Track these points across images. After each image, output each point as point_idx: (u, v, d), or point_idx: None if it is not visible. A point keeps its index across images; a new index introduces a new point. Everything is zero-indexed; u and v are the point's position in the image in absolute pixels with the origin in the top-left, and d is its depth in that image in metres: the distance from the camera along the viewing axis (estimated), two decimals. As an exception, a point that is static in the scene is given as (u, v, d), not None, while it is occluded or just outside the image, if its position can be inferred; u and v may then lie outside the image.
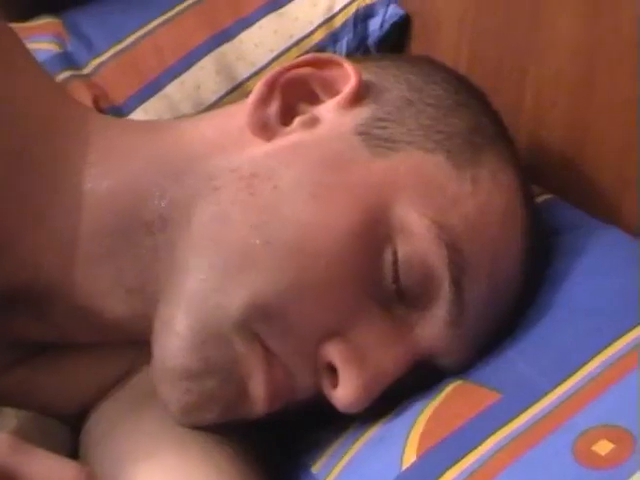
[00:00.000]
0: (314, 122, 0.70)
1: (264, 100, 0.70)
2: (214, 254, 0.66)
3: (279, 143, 0.69)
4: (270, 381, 0.65)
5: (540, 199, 0.80)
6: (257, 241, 0.65)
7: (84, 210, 0.69)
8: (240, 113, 0.71)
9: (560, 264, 0.72)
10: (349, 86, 0.70)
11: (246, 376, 0.65)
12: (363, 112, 0.70)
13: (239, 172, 0.68)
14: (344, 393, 0.64)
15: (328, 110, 0.70)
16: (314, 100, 0.71)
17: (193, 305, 0.65)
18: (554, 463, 0.54)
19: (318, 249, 0.64)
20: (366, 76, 0.71)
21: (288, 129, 0.70)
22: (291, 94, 0.71)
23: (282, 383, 0.65)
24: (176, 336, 0.65)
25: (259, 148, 0.69)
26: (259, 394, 0.65)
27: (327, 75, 0.72)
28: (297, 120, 0.70)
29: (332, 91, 0.71)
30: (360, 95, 0.70)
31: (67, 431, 0.76)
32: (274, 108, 0.70)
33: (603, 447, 0.53)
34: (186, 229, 0.67)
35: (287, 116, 0.70)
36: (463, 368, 0.67)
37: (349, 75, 0.71)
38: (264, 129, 0.70)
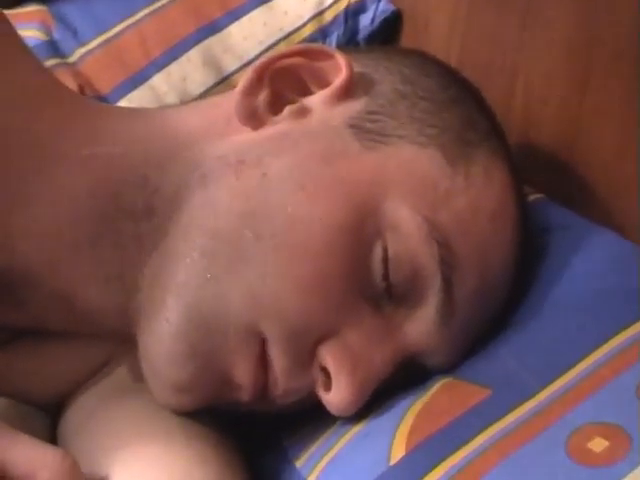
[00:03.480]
0: (304, 112, 0.68)
1: (253, 88, 0.69)
2: (204, 242, 0.65)
3: (268, 132, 0.68)
4: (256, 374, 0.64)
5: (530, 199, 0.79)
6: (246, 231, 0.64)
7: (66, 196, 0.68)
8: (226, 102, 0.70)
9: (550, 263, 0.71)
10: (340, 78, 0.69)
11: (230, 366, 0.64)
12: (355, 105, 0.69)
13: (225, 159, 0.67)
14: (338, 398, 0.63)
15: (318, 101, 0.69)
16: (304, 90, 0.70)
17: (186, 292, 0.64)
18: (547, 460, 0.53)
19: (307, 242, 0.63)
20: (357, 68, 0.70)
21: (277, 118, 0.68)
22: (281, 83, 0.70)
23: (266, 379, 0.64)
24: (165, 321, 0.64)
25: (246, 136, 0.68)
26: (245, 382, 0.64)
27: (318, 66, 0.70)
28: (287, 109, 0.68)
29: (323, 82, 0.70)
30: (351, 87, 0.69)
31: (46, 419, 0.75)
32: (263, 96, 0.69)
33: (598, 444, 0.52)
34: (175, 218, 0.66)
35: (276, 105, 0.69)
36: (451, 366, 0.66)
37: (340, 66, 0.69)
38: (252, 117, 0.68)
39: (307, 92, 0.70)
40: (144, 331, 0.66)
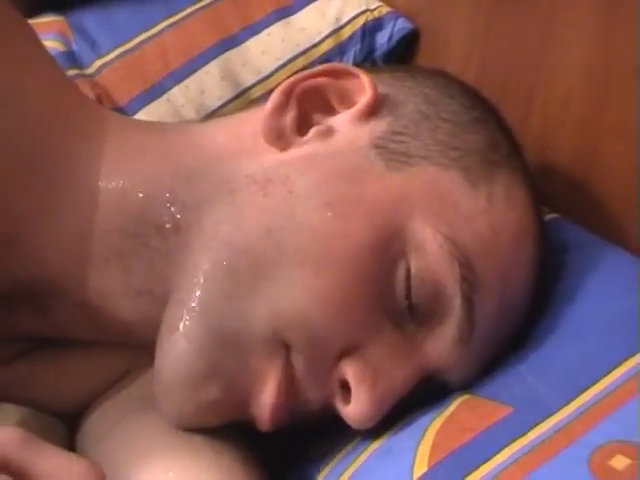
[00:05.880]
0: (330, 133, 0.69)
1: (280, 108, 0.70)
2: (228, 257, 0.65)
3: (294, 152, 0.69)
4: (280, 392, 0.64)
5: (546, 218, 0.79)
6: (271, 246, 0.64)
7: (93, 208, 0.68)
8: (253, 120, 0.71)
9: (568, 282, 0.72)
10: (365, 98, 0.70)
11: (252, 384, 0.64)
12: (379, 125, 0.69)
13: (253, 177, 0.68)
14: (356, 411, 0.64)
15: (344, 121, 0.70)
16: (329, 110, 0.71)
17: (208, 309, 0.65)
18: (570, 477, 0.54)
19: (332, 258, 0.63)
20: (381, 88, 0.71)
21: (303, 139, 0.69)
22: (307, 103, 0.70)
23: (289, 395, 0.65)
24: (184, 338, 0.64)
25: (273, 156, 0.69)
26: (266, 402, 0.64)
27: (343, 86, 0.71)
28: (313, 130, 0.69)
29: (347, 102, 0.71)
30: (376, 107, 0.70)
31: (65, 429, 0.75)
32: (290, 117, 0.70)
33: (620, 462, 0.53)
34: (199, 232, 0.67)
35: (302, 126, 0.70)
36: (469, 383, 0.67)
37: (364, 87, 0.70)
38: (279, 138, 0.69)
39: (332, 112, 0.71)
40: (160, 351, 0.66)
